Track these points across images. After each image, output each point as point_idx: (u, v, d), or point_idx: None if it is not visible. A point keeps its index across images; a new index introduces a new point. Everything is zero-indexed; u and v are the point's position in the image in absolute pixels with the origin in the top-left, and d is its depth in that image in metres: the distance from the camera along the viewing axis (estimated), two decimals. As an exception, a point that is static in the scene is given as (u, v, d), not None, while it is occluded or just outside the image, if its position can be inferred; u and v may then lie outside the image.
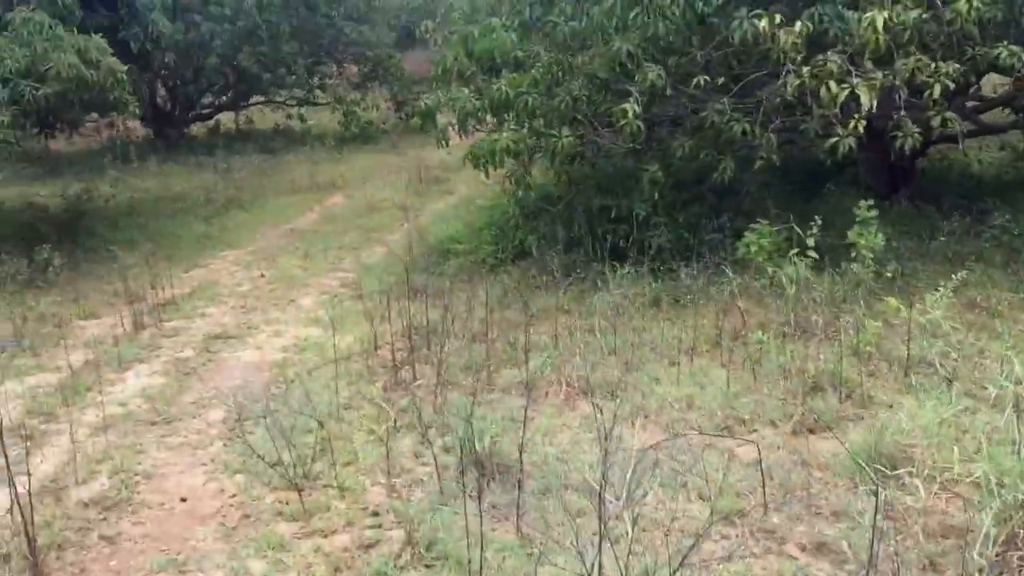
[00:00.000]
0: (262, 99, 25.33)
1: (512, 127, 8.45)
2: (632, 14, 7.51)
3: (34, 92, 10.10)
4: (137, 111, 12.13)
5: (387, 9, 27.43)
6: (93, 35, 11.12)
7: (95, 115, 17.16)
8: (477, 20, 12.46)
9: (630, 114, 7.24)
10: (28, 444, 5.80)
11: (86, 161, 21.00)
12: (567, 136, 7.91)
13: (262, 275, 10.96)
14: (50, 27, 10.49)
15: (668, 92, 7.46)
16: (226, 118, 26.36)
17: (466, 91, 8.92)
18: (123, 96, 11.78)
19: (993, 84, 11.62)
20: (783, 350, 6.54)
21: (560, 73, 8.05)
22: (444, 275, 9.73)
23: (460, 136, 10.07)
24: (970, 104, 10.17)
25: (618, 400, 5.94)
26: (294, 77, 23.64)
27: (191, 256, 12.20)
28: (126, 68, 11.35)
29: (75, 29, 11.08)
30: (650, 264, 8.40)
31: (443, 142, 10.13)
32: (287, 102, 25.51)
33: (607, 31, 7.72)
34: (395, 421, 5.89)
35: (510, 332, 7.61)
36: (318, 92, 25.70)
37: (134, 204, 15.74)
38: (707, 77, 7.45)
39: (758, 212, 9.34)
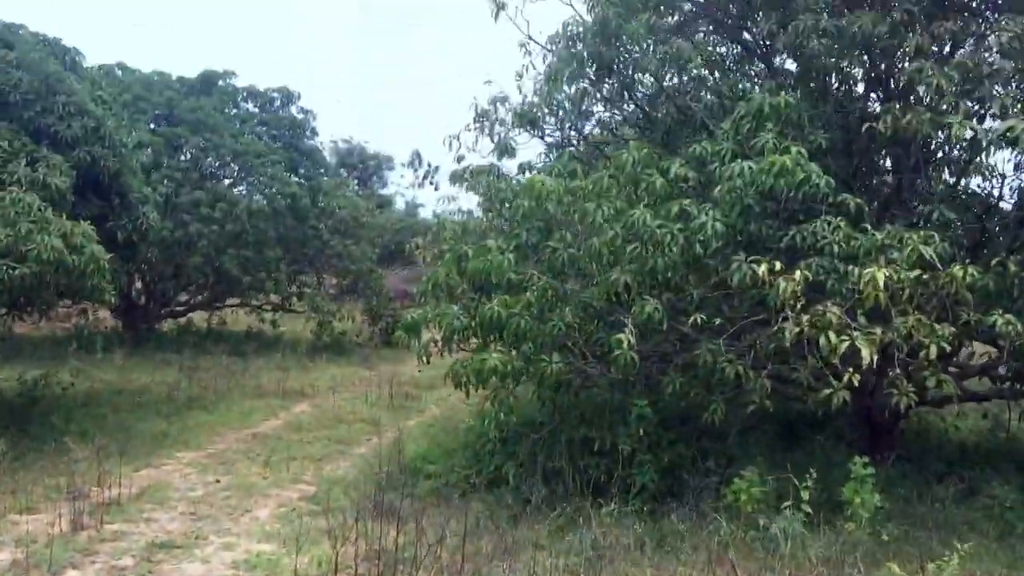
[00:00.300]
0: (238, 301, 25.34)
1: (499, 349, 8.26)
2: (631, 248, 7.54)
3: (10, 272, 9.86)
4: (113, 300, 11.87)
5: (372, 226, 28.10)
6: (82, 222, 11.04)
7: (67, 301, 16.94)
8: (468, 241, 12.66)
9: (624, 345, 7.09)
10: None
11: (49, 347, 20.55)
12: (557, 362, 7.73)
13: (217, 480, 10.33)
14: (39, 209, 10.42)
15: (664, 327, 7.35)
16: (198, 317, 26.23)
17: (455, 308, 8.81)
18: (101, 284, 11.56)
19: (971, 352, 11.76)
20: (780, 612, 6.04)
21: (554, 298, 7.98)
22: (414, 496, 9.18)
23: (441, 353, 9.87)
24: (952, 370, 10.18)
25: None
26: (274, 282, 23.73)
27: (145, 454, 11.55)
28: (109, 257, 11.20)
29: (64, 214, 11.02)
30: (633, 504, 7.97)
31: (424, 357, 9.90)
32: (263, 306, 25.52)
33: (605, 261, 7.72)
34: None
35: (484, 566, 7.03)
36: (295, 299, 25.81)
37: (93, 395, 15.16)
38: (703, 316, 7.38)
39: (742, 457, 9.07)
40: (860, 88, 10.46)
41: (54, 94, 11.90)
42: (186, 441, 12.62)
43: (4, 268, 9.90)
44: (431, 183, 53.44)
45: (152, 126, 22.37)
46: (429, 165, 53.49)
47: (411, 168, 53.11)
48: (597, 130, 11.96)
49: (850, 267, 7.17)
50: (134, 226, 13.07)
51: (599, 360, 8.17)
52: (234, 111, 25.56)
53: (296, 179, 24.73)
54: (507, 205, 9.56)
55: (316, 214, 24.74)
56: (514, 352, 7.97)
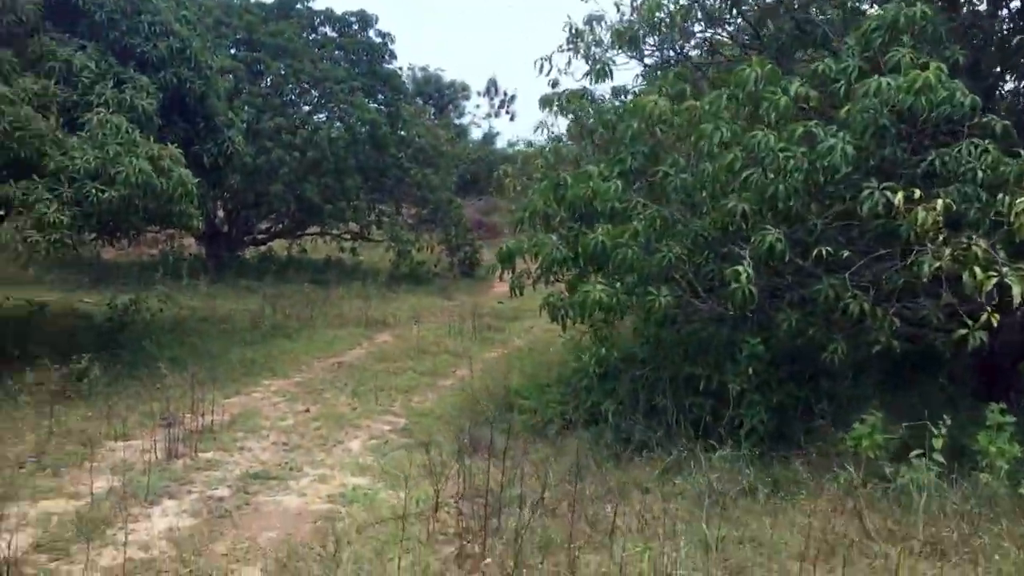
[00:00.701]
0: (318, 230, 25.30)
1: (600, 281, 7.80)
2: (750, 173, 6.96)
3: (99, 195, 9.71)
4: (200, 226, 11.73)
5: (451, 155, 27.65)
6: (169, 144, 10.85)
7: (154, 227, 16.99)
8: (561, 168, 12.16)
9: (743, 278, 6.58)
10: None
11: (136, 273, 20.77)
12: (665, 296, 7.25)
13: (307, 410, 10.20)
14: (127, 131, 10.22)
15: (785, 259, 6.80)
16: (279, 245, 26.31)
17: (553, 238, 8.36)
18: (188, 209, 11.42)
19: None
20: (916, 571, 5.58)
21: (663, 228, 7.46)
22: (509, 432, 8.90)
23: (534, 285, 9.48)
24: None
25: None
26: (353, 211, 23.55)
27: (233, 381, 11.51)
28: (196, 181, 11.01)
29: (151, 137, 10.83)
30: (745, 446, 7.52)
31: (517, 289, 9.53)
32: (343, 235, 25.44)
33: (720, 188, 7.17)
34: (464, 609, 4.98)
35: (587, 507, 6.70)
36: (373, 228, 25.68)
37: (180, 321, 15.24)
38: (828, 248, 6.79)
39: (855, 399, 8.53)
40: (984, 5, 9.59)
41: (139, 14, 11.63)
42: (273, 369, 12.55)
43: (93, 191, 9.76)
44: (507, 112, 52.77)
45: (232, 51, 22.13)
46: (505, 94, 52.69)
47: (487, 97, 52.43)
48: (696, 52, 11.23)
49: (998, 195, 6.49)
50: (220, 151, 12.88)
51: (710, 294, 7.67)
52: (312, 36, 25.15)
53: (375, 106, 24.36)
54: (607, 129, 8.98)
55: (395, 142, 24.39)
56: (618, 284, 7.51)
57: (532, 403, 9.37)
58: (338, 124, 23.53)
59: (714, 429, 8.03)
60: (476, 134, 49.87)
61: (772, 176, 6.94)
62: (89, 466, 7.31)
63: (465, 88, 51.71)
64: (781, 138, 6.85)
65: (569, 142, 12.49)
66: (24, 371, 9.13)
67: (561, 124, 13.80)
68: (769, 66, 7.02)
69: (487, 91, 51.91)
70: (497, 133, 51.69)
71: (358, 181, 23.22)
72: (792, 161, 6.78)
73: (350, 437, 9.09)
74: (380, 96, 24.97)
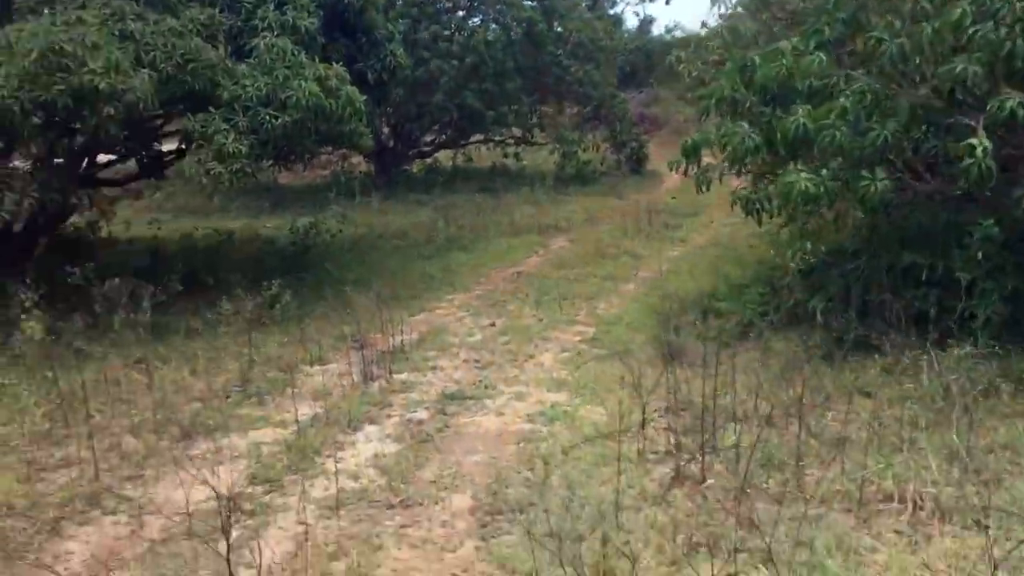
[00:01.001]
0: (481, 138, 25.03)
1: (800, 168, 7.06)
2: (978, 28, 6.00)
3: (273, 121, 9.65)
4: (370, 144, 11.60)
5: (611, 48, 26.51)
6: (334, 64, 10.65)
7: (327, 148, 17.14)
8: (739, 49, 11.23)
9: (979, 151, 5.73)
10: (253, 524, 4.97)
11: (311, 195, 21.23)
12: (882, 179, 6.45)
13: (492, 324, 10.02)
14: (293, 54, 10.07)
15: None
16: (444, 156, 26.28)
17: (744, 125, 7.64)
18: (359, 128, 11.27)
19: None
20: None
21: (873, 103, 6.62)
22: (703, 337, 8.40)
23: (719, 179, 8.81)
24: None
25: (990, 534, 4.39)
26: (515, 115, 23.03)
27: (416, 298, 11.49)
28: (363, 99, 10.81)
29: (316, 57, 10.67)
30: (983, 339, 6.71)
31: (704, 184, 8.89)
32: (506, 140, 25.07)
33: (945, 50, 6.24)
34: (692, 538, 4.61)
35: (808, 416, 6.17)
36: (536, 131, 25.16)
37: (357, 240, 15.42)
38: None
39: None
40: None
41: (292, -71, 11.36)
42: (452, 283, 12.47)
43: (267, 118, 9.71)
44: (663, -4, 50.44)
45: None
46: (661, -24, 50.23)
47: (640, -20, 50.13)
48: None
49: None
50: (383, 65, 12.61)
51: (931, 173, 6.80)
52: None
53: (529, 2, 23.53)
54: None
55: (553, 39, 23.56)
56: (824, 171, 6.76)
57: (729, 305, 8.81)
58: (493, 26, 22.92)
59: (939, 323, 7.25)
60: (630, 23, 48.00)
61: (1007, 30, 5.95)
62: (291, 392, 7.36)
63: (618, -27, 49.61)
64: (1020, -15, 5.84)
65: (744, 19, 11.50)
66: (220, 300, 9.31)
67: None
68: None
69: (640, -25, 49.68)
70: (653, 20, 49.56)
71: (518, 83, 22.64)
72: (1034, 11, 5.78)
73: (540, 350, 8.84)
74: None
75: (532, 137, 25.30)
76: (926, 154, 6.78)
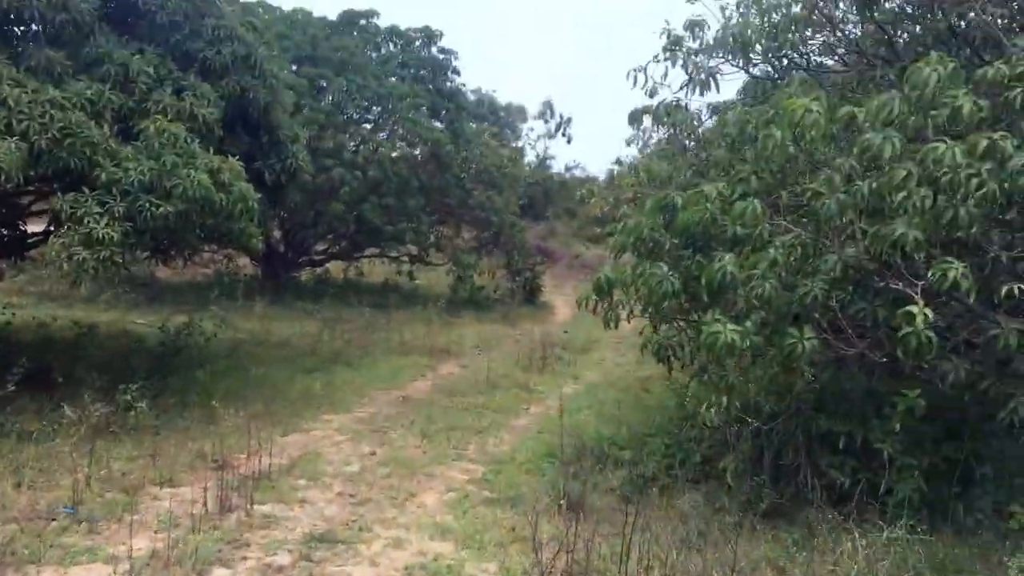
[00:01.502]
0: (375, 252, 24.43)
1: (718, 317, 6.64)
2: (921, 193, 5.76)
3: (154, 210, 8.81)
4: (260, 246, 10.82)
5: (513, 176, 26.61)
6: (230, 158, 9.94)
7: (210, 246, 16.20)
8: (654, 187, 11.05)
9: (919, 320, 5.40)
10: None
11: (191, 293, 20.07)
12: (810, 338, 6.08)
13: (373, 453, 9.15)
14: (185, 141, 9.33)
15: (971, 298, 5.59)
16: (334, 267, 25.50)
17: (662, 267, 7.23)
18: (249, 228, 10.49)
19: None
20: None
21: (804, 258, 6.31)
22: (601, 489, 7.76)
23: (629, 319, 8.37)
24: None
25: None
26: (414, 233, 22.55)
27: (291, 415, 10.51)
28: (257, 198, 10.08)
29: (211, 148, 9.95)
30: (899, 518, 6.27)
31: (612, 322, 8.40)
32: (401, 257, 24.53)
33: (885, 210, 5.98)
34: None
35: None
36: (432, 251, 24.74)
37: (235, 346, 14.36)
38: (1021, 286, 5.57)
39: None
40: None
41: (203, 17, 10.75)
42: (333, 402, 11.56)
43: (147, 205, 8.86)
44: (564, 135, 51.79)
45: (294, 67, 21.39)
46: (561, 116, 51.69)
47: (543, 120, 51.42)
48: (818, 59, 10.05)
49: None
50: (283, 167, 11.94)
51: (860, 337, 6.46)
52: (375, 52, 24.39)
53: (438, 124, 23.49)
54: (736, 139, 7.82)
55: (459, 162, 23.46)
56: (747, 324, 6.34)
57: (632, 454, 8.21)
58: (400, 143, 22.71)
59: (856, 494, 6.81)
60: (530, 157, 49.00)
61: (950, 198, 5.73)
62: (130, 520, 6.31)
63: (521, 110, 50.90)
64: (965, 152, 5.65)
65: (660, 159, 11.37)
66: (63, 405, 8.20)
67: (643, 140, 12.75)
68: (952, 64, 5.82)
69: (542, 113, 50.95)
70: (552, 157, 50.79)
71: (420, 201, 22.29)
72: (975, 180, 5.58)
73: (424, 488, 8.00)
74: (443, 114, 24.08)
75: (428, 256, 24.86)
76: (854, 315, 6.46)
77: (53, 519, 6.45)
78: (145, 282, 21.07)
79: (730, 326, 6.20)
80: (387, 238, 22.38)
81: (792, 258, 6.34)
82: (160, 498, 7.06)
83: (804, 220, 6.61)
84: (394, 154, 22.15)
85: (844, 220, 6.27)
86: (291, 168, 12.00)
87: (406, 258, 24.72)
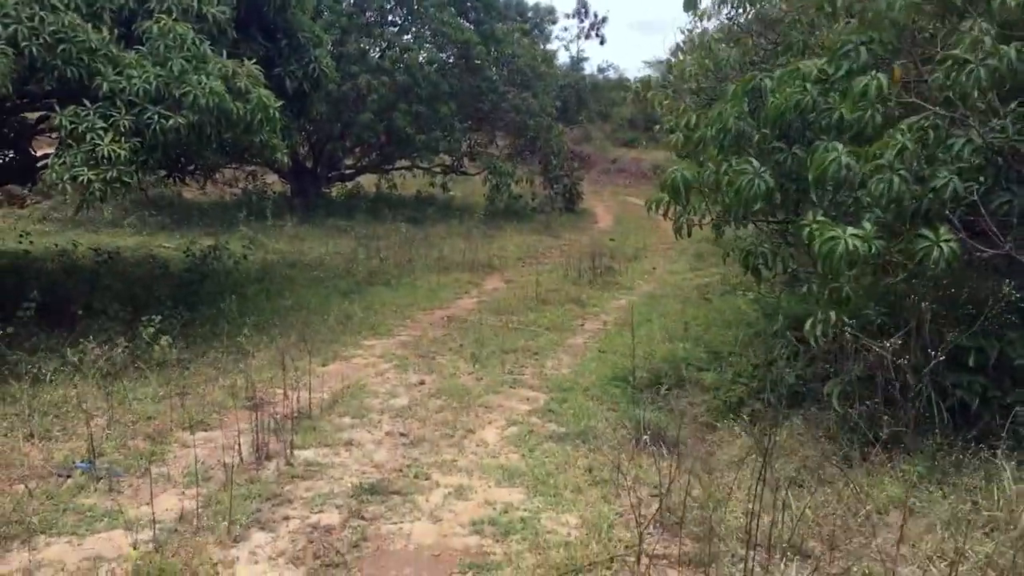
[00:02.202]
0: (407, 163, 23.35)
1: (819, 219, 5.58)
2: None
3: (163, 122, 7.83)
4: (285, 159, 9.86)
5: (550, 77, 25.17)
6: (246, 61, 8.89)
7: (230, 162, 15.27)
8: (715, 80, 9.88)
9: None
10: None
11: (218, 214, 19.22)
12: (948, 239, 5.01)
13: (422, 382, 8.30)
14: (195, 43, 8.28)
15: None
16: (366, 181, 24.51)
17: (754, 163, 6.16)
18: (272, 140, 9.48)
19: None
20: None
21: (938, 142, 5.21)
22: (682, 415, 6.84)
23: (699, 224, 7.33)
24: None
25: None
26: (447, 141, 21.36)
27: (330, 342, 9.69)
28: (279, 106, 9.04)
29: (223, 52, 8.90)
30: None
31: (685, 230, 7.38)
32: (433, 168, 23.44)
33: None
34: None
35: (843, 540, 4.64)
36: (466, 160, 23.61)
37: (267, 268, 13.52)
38: None
39: None
40: None
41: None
42: (373, 325, 10.71)
43: (156, 118, 7.88)
44: (597, 35, 49.71)
45: (312, -34, 20.01)
46: (595, 16, 49.56)
47: (576, 19, 49.32)
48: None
49: None
50: (305, 73, 10.85)
51: (1004, 236, 5.39)
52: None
53: (467, 24, 22.06)
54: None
55: (491, 64, 22.11)
56: (867, 226, 5.30)
57: (714, 377, 7.25)
58: (428, 45, 21.37)
59: (979, 418, 5.85)
60: (563, 58, 47.17)
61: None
62: (154, 475, 5.52)
63: (551, 10, 48.77)
64: None
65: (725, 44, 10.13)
66: (82, 341, 7.38)
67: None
68: None
69: (576, 13, 48.86)
70: (586, 58, 48.82)
71: (452, 108, 21.05)
72: None
73: (482, 422, 7.14)
74: (471, 14, 22.64)
75: (462, 166, 23.75)
76: (996, 210, 5.38)
77: (68, 476, 5.68)
78: (172, 203, 20.26)
79: (850, 230, 5.17)
80: (419, 148, 21.21)
81: (922, 145, 5.24)
82: (189, 445, 6.25)
83: (936, 97, 5.47)
84: (422, 58, 20.82)
85: (983, 96, 5.15)
86: (314, 74, 10.91)
87: (439, 168, 23.65)
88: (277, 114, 9.03)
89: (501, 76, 22.58)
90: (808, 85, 6.00)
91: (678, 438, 6.12)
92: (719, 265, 15.83)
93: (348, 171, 23.31)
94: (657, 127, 13.71)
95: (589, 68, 48.29)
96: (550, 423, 7.12)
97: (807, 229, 5.55)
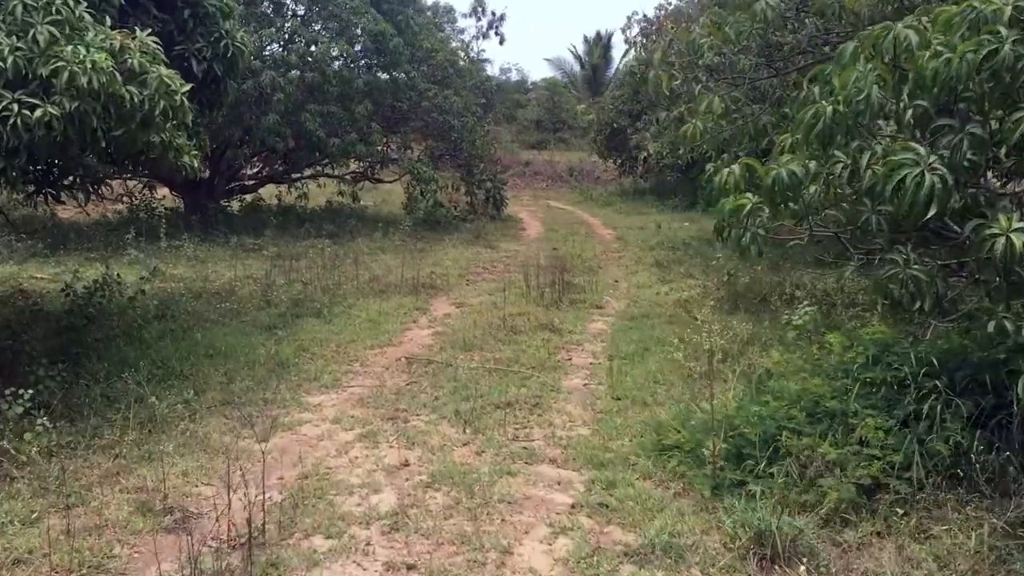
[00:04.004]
0: (311, 172, 20.90)
1: (1020, 222, 3.78)
2: None
3: (27, 113, 5.44)
4: (199, 166, 7.51)
5: (470, 73, 23.09)
6: (139, 30, 6.54)
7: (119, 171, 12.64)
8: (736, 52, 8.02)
9: None
10: None
11: (101, 236, 16.39)
12: None
13: (405, 463, 6.10)
14: (66, 4, 5.89)
15: None
16: (266, 192, 21.87)
17: (919, 150, 4.26)
18: (175, 139, 7.14)
19: None
20: None
21: None
22: (796, 511, 4.88)
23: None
24: None
25: None
26: (364, 144, 18.96)
27: (265, 402, 7.38)
28: (187, 89, 6.71)
29: (108, 20, 6.54)
30: None
31: (753, 250, 5.47)
32: (346, 176, 21.06)
33: None
34: None
35: None
36: (379, 165, 21.30)
37: (168, 302, 10.95)
38: None
39: None
40: None
41: None
42: (315, 374, 8.43)
43: (15, 108, 5.49)
44: (497, 34, 47.85)
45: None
46: (493, 14, 47.65)
47: (474, 17, 47.33)
48: None
49: None
50: (215, 51, 8.47)
51: None
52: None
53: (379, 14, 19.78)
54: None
55: (407, 58, 19.86)
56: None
57: (824, 447, 5.24)
58: (338, 37, 18.97)
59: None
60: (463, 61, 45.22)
61: None
62: None
63: (450, 9, 46.74)
64: None
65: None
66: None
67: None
68: None
69: (472, 11, 46.90)
70: (488, 60, 46.98)
71: (368, 107, 18.70)
72: None
73: (515, 532, 5.00)
74: (384, 5, 20.36)
75: (378, 172, 21.43)
76: None
77: None
78: (44, 225, 17.29)
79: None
80: (333, 153, 18.76)
81: None
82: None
83: None
84: (333, 52, 18.44)
85: None
86: (227, 52, 8.54)
87: (351, 176, 21.29)
88: (184, 101, 6.68)
89: (420, 72, 20.37)
90: (1003, 30, 4.11)
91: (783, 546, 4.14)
92: (690, 276, 14.13)
93: (250, 182, 20.68)
94: (664, 115, 11.72)
95: (491, 70, 46.48)
96: (611, 526, 5.04)
97: (998, 241, 3.70)
